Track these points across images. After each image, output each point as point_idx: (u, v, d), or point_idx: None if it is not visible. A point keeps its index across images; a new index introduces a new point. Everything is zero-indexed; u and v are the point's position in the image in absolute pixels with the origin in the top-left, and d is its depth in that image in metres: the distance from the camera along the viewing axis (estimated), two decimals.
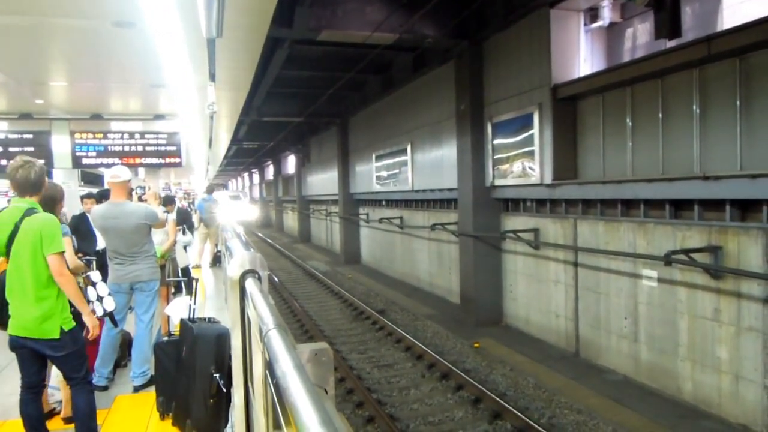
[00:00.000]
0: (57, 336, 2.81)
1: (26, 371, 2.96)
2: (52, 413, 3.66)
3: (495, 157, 9.22)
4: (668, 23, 6.20)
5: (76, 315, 2.96)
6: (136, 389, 4.04)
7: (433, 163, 11.68)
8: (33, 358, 2.92)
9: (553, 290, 8.43)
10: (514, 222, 9.25)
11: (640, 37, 7.45)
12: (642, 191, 6.57)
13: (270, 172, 36.78)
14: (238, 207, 39.33)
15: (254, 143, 23.82)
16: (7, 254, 2.84)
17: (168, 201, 7.44)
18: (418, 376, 7.49)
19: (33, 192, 2.94)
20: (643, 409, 6.09)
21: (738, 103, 5.67)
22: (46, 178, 3.08)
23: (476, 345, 8.57)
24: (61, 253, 2.81)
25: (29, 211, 2.83)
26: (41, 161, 3.05)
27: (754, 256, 5.39)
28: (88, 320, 2.92)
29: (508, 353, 8.16)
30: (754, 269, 5.36)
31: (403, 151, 13.13)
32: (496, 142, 9.19)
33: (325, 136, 20.84)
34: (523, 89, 8.43)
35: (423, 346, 8.34)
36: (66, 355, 2.88)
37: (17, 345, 2.87)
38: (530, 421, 5.71)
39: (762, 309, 5.35)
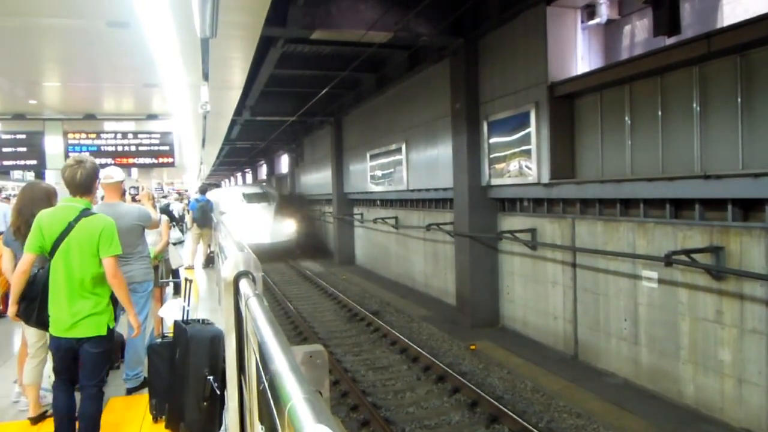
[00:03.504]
0: (105, 332, 2.92)
1: (65, 368, 3.01)
2: (44, 415, 3.59)
3: (491, 156, 9.15)
4: (667, 20, 6.15)
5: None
6: (129, 391, 4.03)
7: (429, 163, 11.61)
8: (72, 356, 2.99)
9: (551, 291, 8.36)
10: (510, 222, 9.19)
11: (638, 34, 7.41)
12: (641, 190, 6.51)
13: (263, 171, 36.34)
14: (264, 217, 20.21)
15: (247, 143, 23.72)
16: (52, 253, 2.86)
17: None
18: (414, 379, 7.40)
19: (83, 192, 2.98)
20: (643, 413, 6.02)
21: (739, 100, 5.61)
22: (97, 180, 3.12)
23: (473, 347, 8.48)
24: (117, 257, 2.91)
25: (85, 212, 2.89)
26: (92, 160, 3.06)
27: (756, 256, 5.33)
28: (134, 321, 3.06)
29: (506, 356, 8.08)
30: (757, 270, 5.30)
31: (398, 150, 13.06)
32: (492, 141, 9.12)
33: (319, 135, 20.74)
34: (520, 87, 8.36)
35: (418, 349, 8.25)
36: (102, 352, 2.96)
37: (63, 347, 2.92)
38: (528, 425, 5.63)
39: (765, 310, 5.29)
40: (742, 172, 5.41)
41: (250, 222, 19.05)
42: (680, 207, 6.23)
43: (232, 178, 48.80)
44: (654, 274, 6.48)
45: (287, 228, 21.31)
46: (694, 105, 6.09)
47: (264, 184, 29.96)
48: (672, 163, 6.42)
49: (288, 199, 24.49)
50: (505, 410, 6.00)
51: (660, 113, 6.53)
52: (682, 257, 5.84)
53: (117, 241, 2.90)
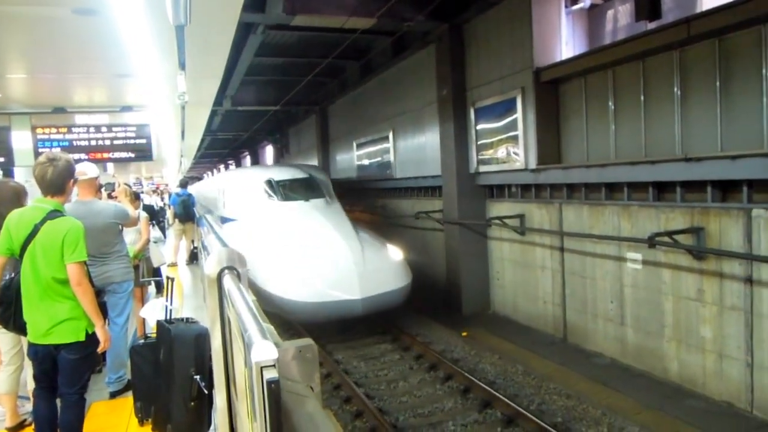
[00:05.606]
0: (83, 338, 2.82)
1: (45, 375, 2.93)
2: (23, 425, 3.51)
3: (479, 142, 9.12)
4: (648, 5, 6.16)
5: None
6: (113, 395, 4.01)
7: (416, 151, 11.54)
8: (52, 363, 2.92)
9: (540, 276, 8.42)
10: (499, 208, 9.20)
11: (621, 19, 7.40)
12: (625, 174, 6.55)
13: (247, 162, 35.70)
14: (337, 233, 8.25)
15: (229, 134, 23.31)
16: (21, 256, 2.76)
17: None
18: (406, 368, 7.41)
19: (54, 192, 2.85)
20: (630, 391, 6.12)
21: (718, 84, 5.66)
22: (72, 179, 2.99)
23: (464, 334, 8.52)
24: (83, 263, 2.76)
25: (52, 214, 2.76)
26: (67, 158, 2.92)
27: (735, 236, 5.41)
28: (101, 333, 2.89)
29: (497, 341, 8.13)
30: (735, 249, 5.39)
31: (385, 139, 12.96)
32: (479, 127, 9.08)
33: (304, 125, 20.49)
34: (506, 73, 8.31)
35: (410, 337, 8.25)
36: (82, 357, 2.87)
37: (40, 354, 2.83)
38: (520, 408, 5.69)
39: (743, 288, 5.40)
40: (720, 155, 5.47)
41: (303, 251, 7.90)
42: (662, 190, 6.28)
43: (215, 171, 47.44)
44: (638, 256, 6.56)
45: (394, 256, 8.63)
46: (675, 89, 6.12)
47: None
48: (654, 146, 6.46)
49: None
50: (497, 395, 6.05)
51: (642, 98, 6.56)
52: (664, 239, 5.91)
53: (82, 246, 2.75)
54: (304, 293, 7.29)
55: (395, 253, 8.74)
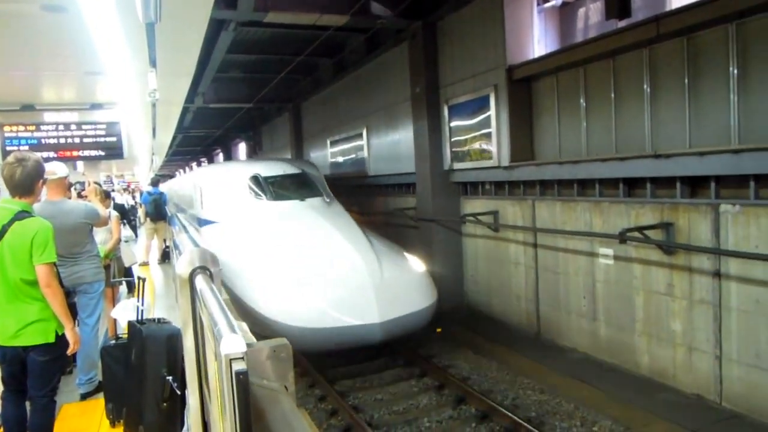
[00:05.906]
0: (53, 340, 2.80)
1: (13, 378, 2.89)
2: None
3: (452, 140, 9.19)
4: (618, 3, 6.29)
5: None
6: (83, 396, 3.97)
7: (390, 148, 11.56)
8: (20, 365, 2.88)
9: (514, 272, 8.53)
10: (473, 205, 9.28)
11: (592, 17, 7.55)
12: (596, 170, 6.68)
13: (220, 160, 35.10)
14: (346, 241, 6.80)
15: (201, 131, 22.94)
16: None
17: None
18: (381, 365, 7.42)
19: (22, 193, 2.82)
20: (603, 385, 6.24)
21: (686, 81, 5.82)
22: (41, 180, 2.96)
23: (438, 330, 8.57)
24: (52, 264, 2.74)
25: (20, 215, 2.74)
26: (36, 158, 2.90)
27: (703, 231, 5.57)
28: (70, 334, 2.87)
29: (471, 337, 8.22)
30: (703, 244, 5.55)
31: (359, 136, 12.94)
32: (453, 125, 9.15)
33: (278, 122, 20.31)
34: (479, 71, 8.39)
35: None
36: (52, 359, 2.85)
37: (8, 356, 2.80)
38: (494, 404, 5.76)
39: (712, 282, 5.56)
40: (689, 151, 5.62)
41: (302, 262, 6.48)
42: (633, 186, 6.44)
43: (187, 168, 46.26)
44: (610, 251, 6.70)
45: (416, 267, 7.25)
46: (645, 86, 6.27)
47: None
48: (625, 143, 6.61)
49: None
50: (472, 391, 6.12)
51: (613, 95, 6.70)
52: (635, 234, 6.05)
53: (51, 247, 2.73)
54: (304, 316, 5.79)
55: (416, 263, 7.24)
